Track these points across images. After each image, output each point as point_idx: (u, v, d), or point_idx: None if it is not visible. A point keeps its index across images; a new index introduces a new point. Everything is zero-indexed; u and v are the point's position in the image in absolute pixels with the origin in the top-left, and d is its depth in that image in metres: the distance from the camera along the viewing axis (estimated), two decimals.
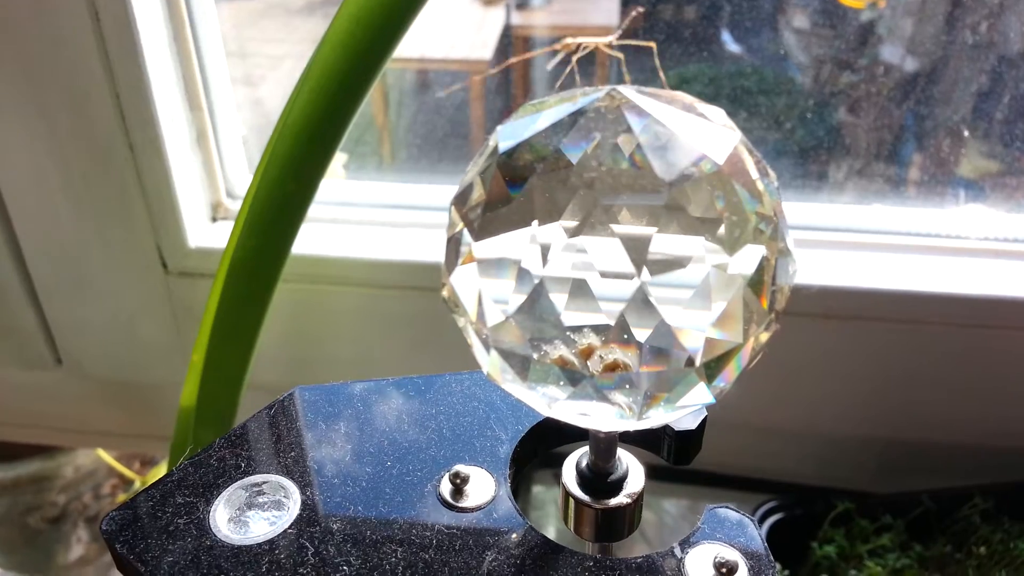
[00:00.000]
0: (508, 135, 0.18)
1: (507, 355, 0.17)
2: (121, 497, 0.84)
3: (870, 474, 0.61)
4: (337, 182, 0.62)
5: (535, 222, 0.17)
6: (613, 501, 0.22)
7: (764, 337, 0.17)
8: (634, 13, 0.47)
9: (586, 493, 0.22)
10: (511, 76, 0.81)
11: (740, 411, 0.47)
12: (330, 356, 0.59)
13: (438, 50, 0.88)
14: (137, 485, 0.83)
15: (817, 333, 0.54)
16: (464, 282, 0.17)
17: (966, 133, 0.59)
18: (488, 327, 0.17)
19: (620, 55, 0.42)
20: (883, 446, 0.61)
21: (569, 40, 0.37)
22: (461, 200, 0.18)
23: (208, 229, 0.57)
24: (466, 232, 0.18)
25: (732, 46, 0.63)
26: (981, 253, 0.55)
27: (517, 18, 0.85)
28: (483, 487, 0.22)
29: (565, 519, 0.23)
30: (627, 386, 0.17)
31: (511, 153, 0.17)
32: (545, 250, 0.17)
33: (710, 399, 0.17)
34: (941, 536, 0.54)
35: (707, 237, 0.16)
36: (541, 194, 0.17)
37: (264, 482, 0.22)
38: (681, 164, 0.16)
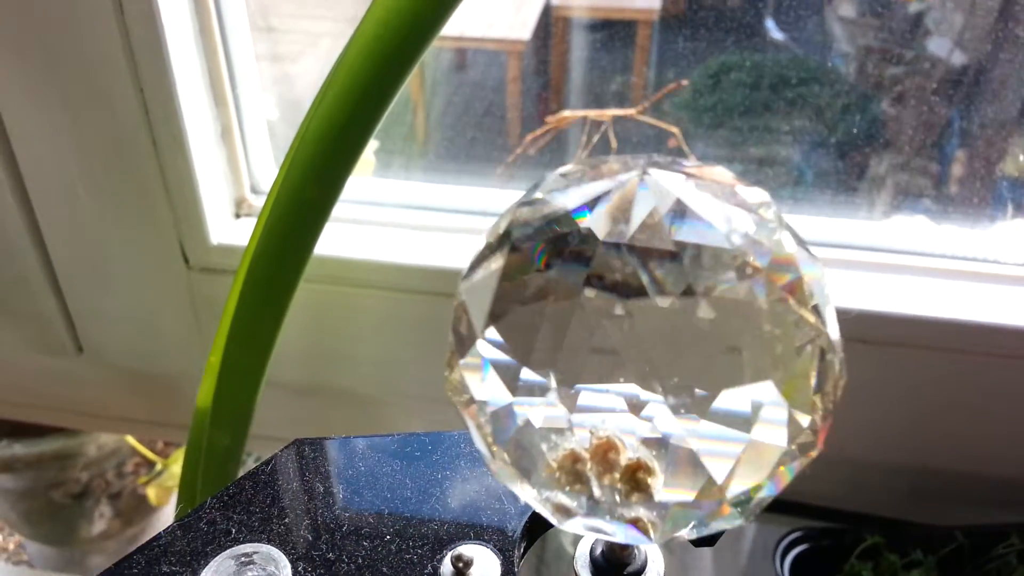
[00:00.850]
0: (527, 212, 0.16)
1: (517, 466, 0.15)
2: (142, 479, 0.84)
3: (903, 501, 0.59)
4: (363, 180, 0.60)
5: (549, 311, 0.15)
6: None
7: (808, 457, 0.15)
8: (674, 85, 0.45)
9: None
10: (549, 58, 0.79)
11: None
12: (349, 357, 0.58)
13: (476, 29, 0.86)
14: (159, 466, 0.83)
15: (854, 357, 0.52)
16: (469, 370, 0.16)
17: (1013, 131, 0.56)
18: (490, 423, 0.16)
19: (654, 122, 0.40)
20: (917, 474, 0.58)
21: (594, 113, 0.34)
22: (471, 276, 0.17)
23: (231, 225, 0.56)
24: (474, 313, 0.16)
25: (776, 34, 0.61)
26: None
27: None
28: (488, 570, 0.21)
29: None
30: (649, 507, 0.15)
31: (529, 233, 0.15)
32: (559, 343, 0.15)
33: (744, 522, 0.15)
34: (973, 575, 0.52)
35: (746, 349, 0.14)
36: (559, 282, 0.15)
37: (254, 552, 0.21)
38: (718, 265, 0.14)
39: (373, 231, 0.56)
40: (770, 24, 0.61)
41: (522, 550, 0.21)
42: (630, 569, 0.20)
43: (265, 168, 0.57)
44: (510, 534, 0.21)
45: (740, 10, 0.59)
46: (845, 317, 0.52)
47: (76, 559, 0.90)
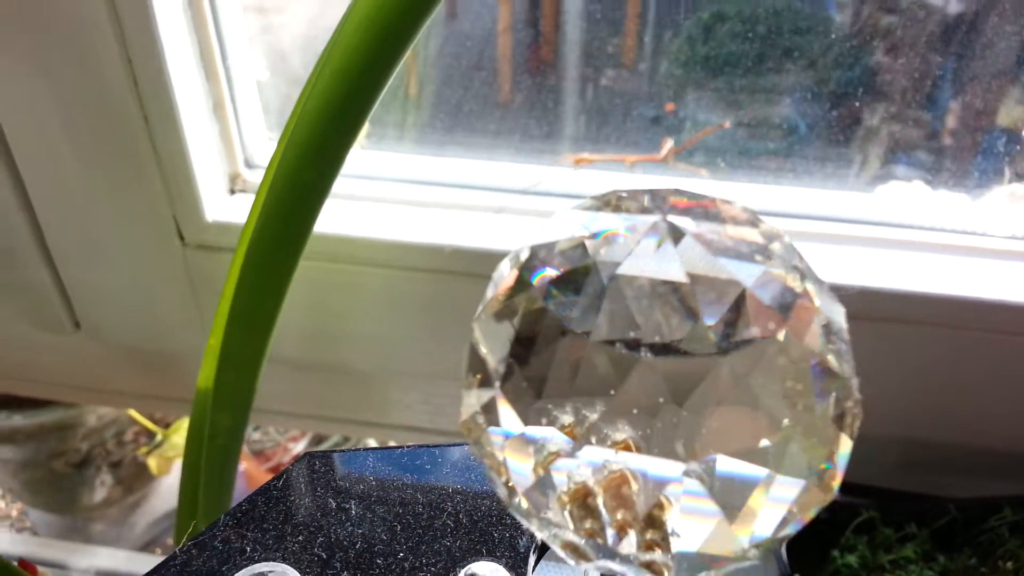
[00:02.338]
0: (542, 258, 0.15)
1: (534, 508, 0.15)
2: (142, 450, 0.85)
3: (895, 472, 0.60)
4: (362, 154, 0.59)
5: (566, 376, 0.15)
6: None
7: (826, 501, 0.15)
8: (713, 128, 0.44)
9: None
10: (539, 8, 0.77)
11: None
12: (351, 334, 0.58)
13: None
14: (159, 437, 0.84)
15: (852, 334, 0.52)
16: (487, 419, 0.16)
17: (1008, 82, 0.56)
18: (510, 477, 0.16)
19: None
20: (910, 446, 0.59)
21: (619, 158, 0.33)
22: (484, 323, 0.16)
23: (226, 202, 0.55)
24: (489, 365, 0.16)
25: None
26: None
27: None
28: None
29: None
30: (664, 556, 0.15)
31: (545, 287, 0.15)
32: (576, 400, 0.15)
33: (754, 562, 0.15)
34: (967, 547, 0.53)
35: (767, 413, 0.14)
36: (574, 338, 0.15)
37: (270, 571, 0.21)
38: (742, 326, 0.14)
39: (370, 207, 0.55)
40: None
41: (533, 566, 0.22)
42: None
43: (259, 142, 0.56)
44: (522, 551, 0.22)
45: None
46: (846, 294, 0.52)
47: (79, 526, 0.91)
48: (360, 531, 0.22)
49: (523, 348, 0.16)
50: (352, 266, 0.54)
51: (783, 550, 0.50)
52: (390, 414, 0.65)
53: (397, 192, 0.56)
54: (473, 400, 0.17)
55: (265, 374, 0.49)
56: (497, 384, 0.16)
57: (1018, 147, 0.57)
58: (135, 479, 0.91)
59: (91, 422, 0.84)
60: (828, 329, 0.14)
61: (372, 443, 0.82)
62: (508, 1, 0.79)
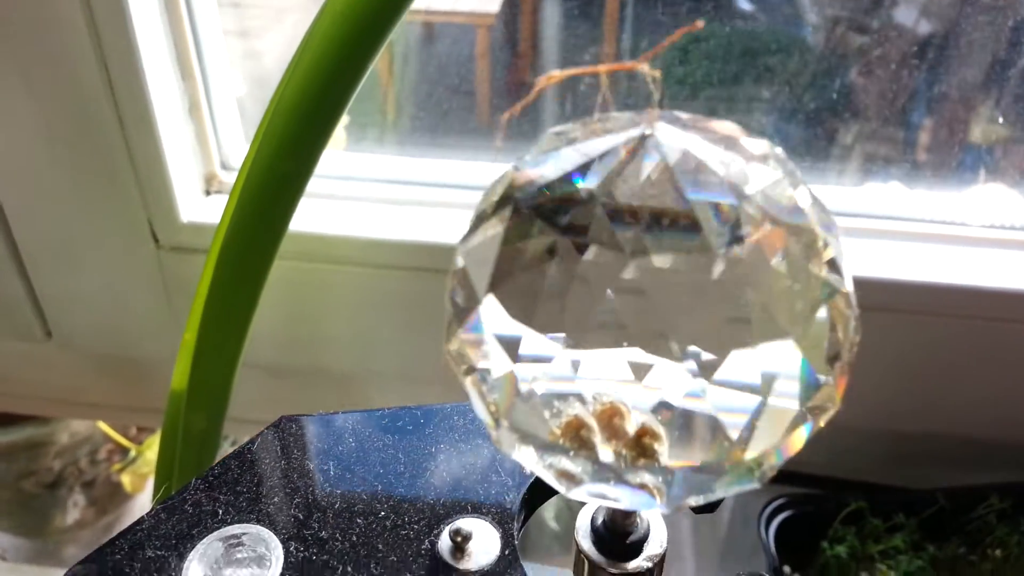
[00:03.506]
0: (530, 168, 0.15)
1: (521, 433, 0.15)
2: (115, 466, 0.83)
3: (885, 465, 0.60)
4: (338, 155, 0.59)
5: (554, 273, 0.14)
6: (632, 565, 0.19)
7: (825, 417, 0.15)
8: (686, 28, 0.44)
9: (602, 554, 0.20)
10: (518, 30, 0.77)
11: None
12: (327, 336, 0.57)
13: (444, 2, 0.85)
14: (132, 453, 0.82)
15: None
16: (471, 347, 0.15)
17: (978, 99, 0.57)
18: (494, 392, 0.15)
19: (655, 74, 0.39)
20: (899, 437, 0.59)
21: (590, 69, 0.32)
22: (469, 239, 0.16)
23: (201, 203, 0.54)
24: (473, 277, 0.15)
25: (744, 4, 0.61)
26: (1004, 244, 0.52)
27: None
28: (487, 544, 0.20)
29: None
30: (656, 471, 0.14)
31: (531, 193, 0.15)
32: (564, 306, 0.14)
33: (757, 485, 0.15)
34: (955, 536, 0.52)
35: (761, 305, 0.13)
36: (563, 242, 0.14)
37: (243, 534, 0.20)
38: (731, 221, 0.13)
39: (346, 206, 0.54)
40: None
41: (521, 522, 0.21)
42: (632, 538, 0.20)
43: (235, 144, 0.56)
44: (508, 506, 0.21)
45: None
46: None
47: (50, 550, 0.89)
48: (339, 491, 0.21)
49: (507, 273, 0.15)
50: (328, 265, 0.53)
51: (771, 542, 0.49)
52: None
53: (373, 191, 0.55)
54: (457, 331, 0.16)
55: (240, 381, 0.48)
56: (481, 312, 0.15)
57: (992, 157, 0.58)
58: (108, 500, 0.88)
59: (63, 440, 0.82)
60: (820, 236, 0.14)
61: None
62: (486, 28, 0.80)
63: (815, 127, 0.61)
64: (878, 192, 0.59)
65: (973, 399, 0.55)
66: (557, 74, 0.32)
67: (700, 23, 0.45)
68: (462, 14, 0.83)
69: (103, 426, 0.81)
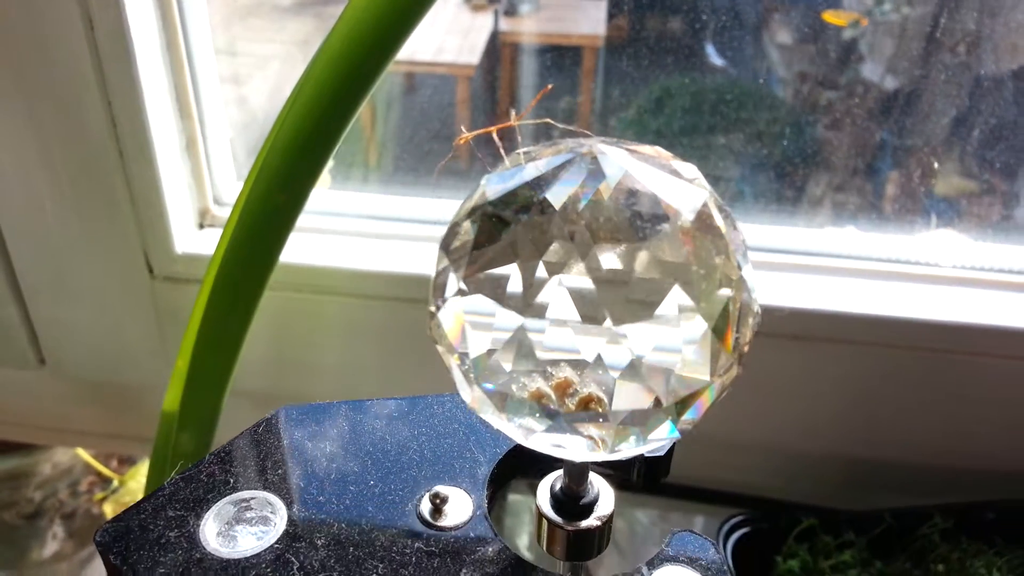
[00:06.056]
0: (496, 182, 0.19)
1: (488, 390, 0.18)
2: (98, 496, 0.84)
3: (835, 490, 0.63)
4: (325, 192, 0.62)
5: (518, 264, 0.18)
6: (584, 523, 0.23)
7: (729, 378, 0.18)
8: (543, 91, 0.49)
9: (559, 515, 0.23)
10: (497, 81, 0.82)
11: (710, 427, 0.48)
12: (314, 364, 0.60)
13: (425, 53, 0.89)
14: (115, 484, 0.83)
15: (787, 353, 0.56)
16: (449, 319, 0.19)
17: (942, 154, 0.62)
18: (471, 362, 0.18)
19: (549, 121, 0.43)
20: (848, 463, 0.62)
21: (491, 129, 0.37)
22: (449, 241, 0.19)
23: (195, 235, 0.57)
24: (452, 271, 0.19)
25: (716, 59, 0.64)
26: (949, 281, 0.57)
27: (505, 24, 0.86)
28: (461, 507, 0.23)
29: (539, 539, 0.24)
30: (599, 421, 0.18)
31: (498, 200, 0.18)
32: (527, 291, 0.18)
33: (677, 435, 0.18)
34: (901, 553, 0.56)
35: (677, 287, 0.17)
36: (525, 239, 0.18)
37: (252, 498, 0.23)
38: (655, 219, 0.17)
39: (334, 239, 0.58)
40: (710, 50, 0.65)
41: (490, 492, 0.24)
42: (584, 501, 0.23)
43: (227, 180, 0.59)
44: (479, 478, 0.24)
45: (682, 37, 0.63)
46: (778, 314, 0.56)
47: None
48: (335, 465, 0.24)
49: (480, 267, 0.19)
50: (314, 295, 0.57)
51: (729, 557, 0.52)
52: None
53: (359, 226, 0.59)
54: (439, 314, 0.20)
55: (229, 410, 0.51)
56: (459, 300, 0.19)
57: (947, 205, 0.62)
58: (88, 532, 0.89)
59: (45, 471, 0.84)
60: (726, 236, 0.18)
61: None
62: (465, 79, 0.84)
63: (783, 179, 0.64)
64: (835, 234, 0.64)
65: (919, 426, 0.59)
66: (468, 134, 0.36)
67: (549, 86, 0.50)
68: (443, 65, 0.87)
69: (86, 456, 0.82)
